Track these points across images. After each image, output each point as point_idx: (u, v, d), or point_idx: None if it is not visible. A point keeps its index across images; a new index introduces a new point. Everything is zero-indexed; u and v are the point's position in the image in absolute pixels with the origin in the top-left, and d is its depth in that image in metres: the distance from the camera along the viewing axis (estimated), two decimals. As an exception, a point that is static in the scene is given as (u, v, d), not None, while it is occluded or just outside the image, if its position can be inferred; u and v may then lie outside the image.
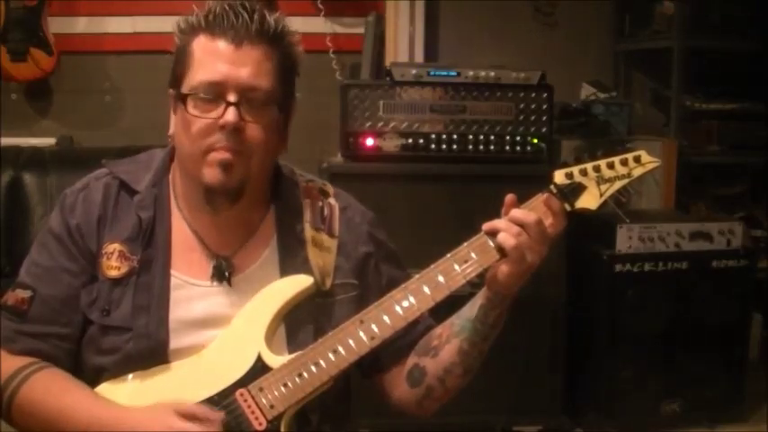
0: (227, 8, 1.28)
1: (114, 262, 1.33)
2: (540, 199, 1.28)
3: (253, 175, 1.31)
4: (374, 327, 1.26)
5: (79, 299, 1.33)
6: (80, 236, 1.35)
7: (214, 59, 1.27)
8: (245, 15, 1.28)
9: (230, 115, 1.26)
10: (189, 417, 1.22)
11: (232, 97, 1.26)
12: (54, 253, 1.35)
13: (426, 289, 1.26)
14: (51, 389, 1.29)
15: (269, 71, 1.30)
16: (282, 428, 1.25)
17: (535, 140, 2.71)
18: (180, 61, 1.31)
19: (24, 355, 1.33)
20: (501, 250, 1.24)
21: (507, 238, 1.23)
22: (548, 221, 1.25)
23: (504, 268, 1.24)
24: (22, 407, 1.28)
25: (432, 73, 2.69)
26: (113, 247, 1.34)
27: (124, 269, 1.33)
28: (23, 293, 1.35)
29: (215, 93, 1.27)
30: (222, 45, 1.28)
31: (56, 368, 1.32)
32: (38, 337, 1.33)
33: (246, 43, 1.28)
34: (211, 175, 1.28)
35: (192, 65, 1.29)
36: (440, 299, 1.26)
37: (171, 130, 1.35)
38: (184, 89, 1.29)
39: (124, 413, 1.25)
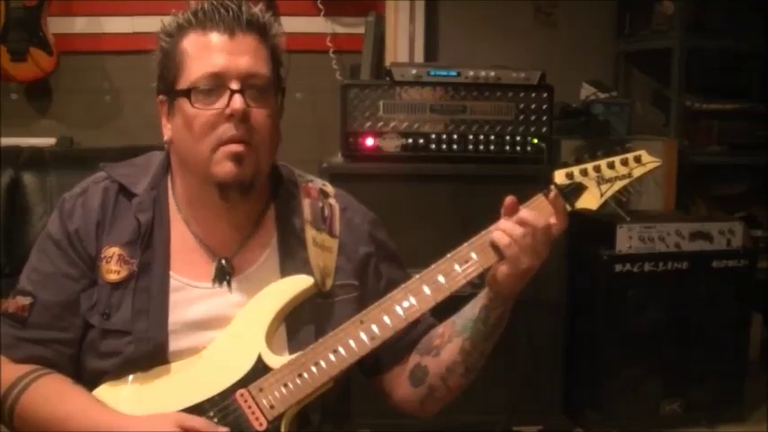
0: (214, 3, 1.29)
1: (114, 266, 1.33)
2: (540, 199, 1.27)
3: (262, 166, 1.32)
4: (374, 327, 1.26)
5: (79, 303, 1.33)
6: (79, 240, 1.34)
7: (210, 52, 1.28)
8: (234, 7, 1.29)
9: (237, 102, 1.26)
10: (191, 430, 1.21)
11: (235, 85, 1.27)
12: (53, 258, 1.35)
13: (427, 289, 1.26)
14: (50, 396, 1.28)
15: (264, 58, 1.31)
16: (283, 429, 1.25)
17: (535, 140, 2.70)
18: (169, 64, 1.31)
19: (26, 362, 1.32)
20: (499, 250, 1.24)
21: (501, 236, 1.23)
22: (550, 221, 1.25)
23: (503, 269, 1.24)
24: (23, 416, 1.28)
25: (432, 73, 2.69)
26: (113, 251, 1.34)
27: (124, 273, 1.33)
28: (24, 300, 1.34)
29: (216, 83, 1.27)
30: (216, 37, 1.28)
31: (56, 375, 1.32)
32: (39, 343, 1.33)
33: (239, 33, 1.29)
34: (224, 170, 1.28)
35: (186, 62, 1.29)
36: (440, 299, 1.26)
37: (167, 137, 1.34)
38: (182, 86, 1.29)
39: (121, 419, 1.24)
